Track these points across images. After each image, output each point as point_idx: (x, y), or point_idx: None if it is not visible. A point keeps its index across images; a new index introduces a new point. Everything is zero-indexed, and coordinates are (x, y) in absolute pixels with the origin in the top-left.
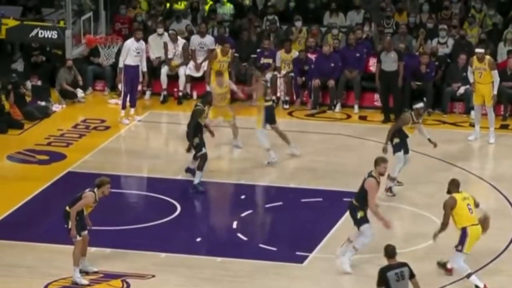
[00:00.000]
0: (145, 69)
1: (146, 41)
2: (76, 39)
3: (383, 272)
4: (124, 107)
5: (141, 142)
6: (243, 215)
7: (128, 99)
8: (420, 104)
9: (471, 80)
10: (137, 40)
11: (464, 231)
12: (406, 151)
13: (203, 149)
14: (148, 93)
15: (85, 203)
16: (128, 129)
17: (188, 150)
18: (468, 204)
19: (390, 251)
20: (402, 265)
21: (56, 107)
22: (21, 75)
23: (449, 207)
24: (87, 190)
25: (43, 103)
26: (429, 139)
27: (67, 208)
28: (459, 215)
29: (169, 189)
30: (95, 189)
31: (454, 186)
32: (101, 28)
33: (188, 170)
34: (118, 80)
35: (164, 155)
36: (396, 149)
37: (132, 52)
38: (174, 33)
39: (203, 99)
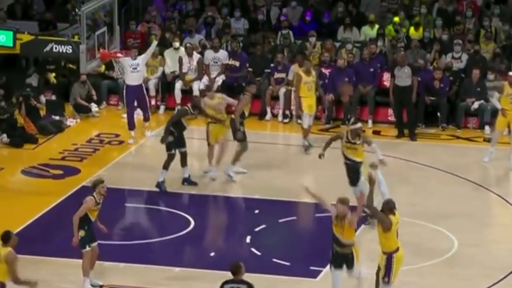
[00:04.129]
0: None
1: (162, 55)
2: (90, 53)
3: (222, 285)
4: (131, 127)
5: (155, 157)
6: (256, 229)
7: (137, 116)
8: (358, 125)
9: (499, 107)
10: (134, 59)
11: (389, 259)
12: None
13: (173, 150)
14: (162, 107)
15: (87, 207)
16: (142, 143)
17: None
18: (397, 229)
19: (233, 268)
20: (243, 282)
21: (70, 122)
22: (36, 90)
23: (388, 225)
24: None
25: (57, 118)
26: (380, 160)
27: None
28: (389, 239)
29: (183, 204)
30: (94, 193)
31: (388, 207)
32: (115, 43)
33: (184, 180)
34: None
35: (178, 169)
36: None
37: (128, 68)
38: (191, 46)
39: (192, 103)
